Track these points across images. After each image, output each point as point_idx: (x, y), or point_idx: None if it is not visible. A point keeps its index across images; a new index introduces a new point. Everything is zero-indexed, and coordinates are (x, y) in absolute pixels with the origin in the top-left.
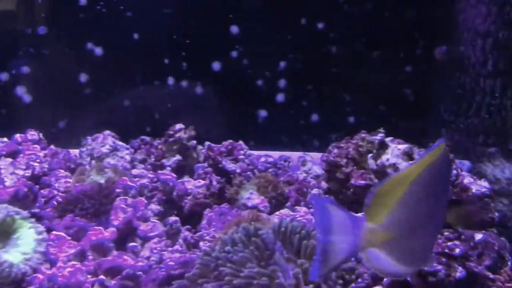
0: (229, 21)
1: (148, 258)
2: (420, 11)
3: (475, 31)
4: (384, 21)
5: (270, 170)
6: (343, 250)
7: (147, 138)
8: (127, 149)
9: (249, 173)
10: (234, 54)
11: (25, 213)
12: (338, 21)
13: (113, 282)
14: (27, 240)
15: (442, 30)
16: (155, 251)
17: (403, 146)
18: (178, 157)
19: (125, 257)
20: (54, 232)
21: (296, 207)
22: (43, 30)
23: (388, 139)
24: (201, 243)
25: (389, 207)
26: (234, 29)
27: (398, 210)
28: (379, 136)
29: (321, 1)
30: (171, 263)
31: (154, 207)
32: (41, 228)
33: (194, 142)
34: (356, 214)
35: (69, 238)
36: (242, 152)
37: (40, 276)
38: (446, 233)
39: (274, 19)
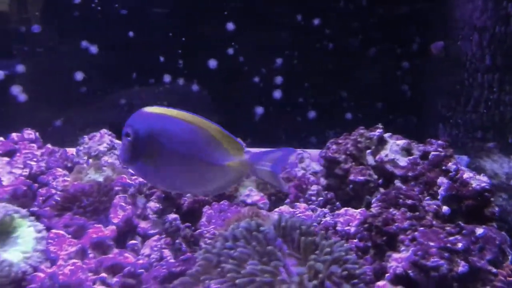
0: (224, 18)
1: (148, 255)
2: (416, 6)
3: (472, 25)
4: (380, 17)
5: None
6: None
7: None
8: None
9: None
10: (230, 51)
11: (24, 211)
12: (334, 17)
13: (114, 279)
14: (27, 238)
15: (438, 25)
16: (155, 248)
17: (402, 142)
18: None
19: (126, 254)
20: (53, 231)
21: (296, 203)
22: (37, 29)
23: (386, 135)
24: (201, 240)
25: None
26: (230, 26)
27: None
28: (377, 132)
29: None
30: (171, 260)
31: (153, 204)
32: (41, 226)
33: None
34: None
35: (69, 236)
36: None
37: (41, 274)
38: (447, 228)
39: (270, 16)
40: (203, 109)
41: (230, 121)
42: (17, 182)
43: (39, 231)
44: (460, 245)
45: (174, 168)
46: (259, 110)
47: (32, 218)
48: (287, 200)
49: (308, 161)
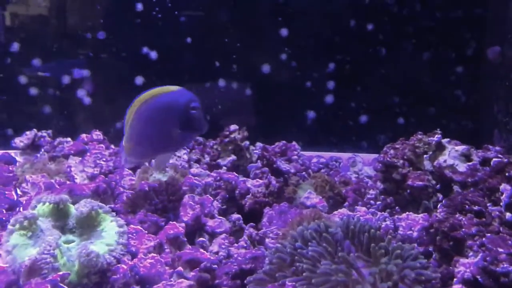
0: (278, 24)
1: (217, 253)
2: (473, 11)
3: None
4: (435, 22)
5: (323, 170)
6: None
7: (201, 139)
8: (184, 149)
9: (303, 173)
10: (283, 56)
11: (106, 207)
12: (387, 22)
13: (191, 273)
14: (110, 232)
15: (495, 30)
16: (223, 246)
17: (461, 148)
18: (233, 157)
19: (202, 250)
20: (132, 226)
21: (356, 206)
22: (102, 35)
23: (445, 140)
24: (267, 240)
25: (126, 128)
26: (284, 31)
27: (129, 130)
28: (436, 137)
29: (370, 2)
30: (239, 258)
31: (216, 204)
32: (122, 221)
33: (247, 142)
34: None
35: (146, 231)
36: (295, 152)
37: (124, 266)
38: None
39: (322, 21)
40: (256, 113)
41: (283, 124)
42: (98, 179)
43: (121, 226)
44: None
45: None
46: (311, 114)
47: (114, 213)
48: (346, 204)
49: (361, 165)
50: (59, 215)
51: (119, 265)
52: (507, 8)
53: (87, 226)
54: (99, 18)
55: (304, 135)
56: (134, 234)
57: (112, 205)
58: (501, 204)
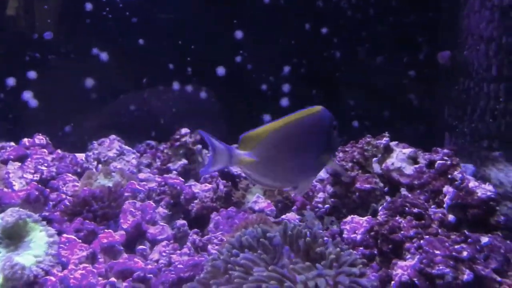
0: (233, 27)
1: (157, 261)
2: (424, 16)
3: (479, 36)
4: (388, 26)
5: None
6: (223, 160)
7: (153, 143)
8: (134, 153)
9: None
10: (238, 59)
11: (36, 216)
12: (342, 26)
13: (124, 284)
14: (39, 243)
15: (445, 35)
16: (164, 254)
17: (408, 150)
18: (184, 161)
19: (136, 259)
20: (64, 235)
21: (303, 211)
22: (49, 36)
23: (393, 143)
24: (209, 246)
25: (254, 144)
26: (239, 34)
27: (259, 147)
28: (384, 140)
29: (325, 6)
30: (180, 266)
31: (162, 210)
32: (52, 231)
33: (200, 146)
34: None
35: (80, 241)
36: None
37: (52, 278)
38: (453, 236)
39: (278, 25)
40: (211, 116)
41: (237, 128)
42: (30, 187)
43: (51, 236)
44: (465, 253)
45: None
46: (267, 117)
47: (44, 222)
48: (294, 207)
49: None
50: None
51: (47, 277)
52: (458, 13)
53: (14, 236)
54: (48, 18)
55: None
56: (66, 244)
57: (47, 214)
58: (444, 206)
